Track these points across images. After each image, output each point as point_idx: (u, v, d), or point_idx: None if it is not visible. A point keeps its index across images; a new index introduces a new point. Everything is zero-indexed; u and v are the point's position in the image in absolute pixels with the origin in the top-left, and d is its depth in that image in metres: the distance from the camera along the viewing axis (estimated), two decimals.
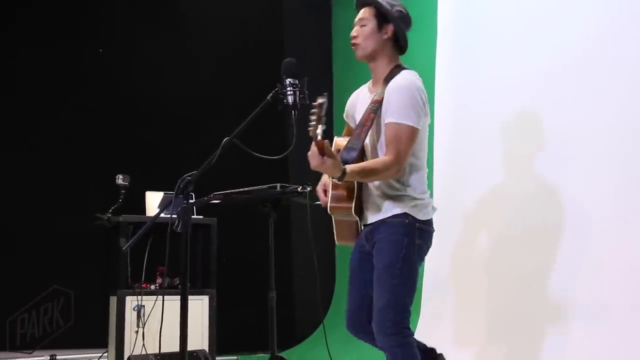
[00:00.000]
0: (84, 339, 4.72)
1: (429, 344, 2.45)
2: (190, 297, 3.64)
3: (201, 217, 4.09)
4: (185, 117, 5.55)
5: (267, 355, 2.82)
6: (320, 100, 2.05)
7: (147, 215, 3.99)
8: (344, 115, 2.65)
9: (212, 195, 3.01)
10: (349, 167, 2.16)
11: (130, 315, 3.74)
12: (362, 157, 2.36)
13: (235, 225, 4.53)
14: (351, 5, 2.48)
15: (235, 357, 5.22)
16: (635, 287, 2.67)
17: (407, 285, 2.30)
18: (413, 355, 2.28)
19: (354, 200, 2.33)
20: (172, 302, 3.73)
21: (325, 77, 5.90)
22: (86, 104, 5.29)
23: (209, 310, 3.97)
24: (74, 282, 4.88)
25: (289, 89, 2.17)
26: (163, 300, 3.50)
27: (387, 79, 2.34)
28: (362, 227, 2.45)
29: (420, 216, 2.31)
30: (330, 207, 2.35)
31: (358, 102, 2.53)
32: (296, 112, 2.15)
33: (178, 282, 3.94)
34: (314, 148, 2.07)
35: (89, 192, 5.09)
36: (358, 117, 2.46)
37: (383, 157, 2.29)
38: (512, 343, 3.26)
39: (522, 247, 3.21)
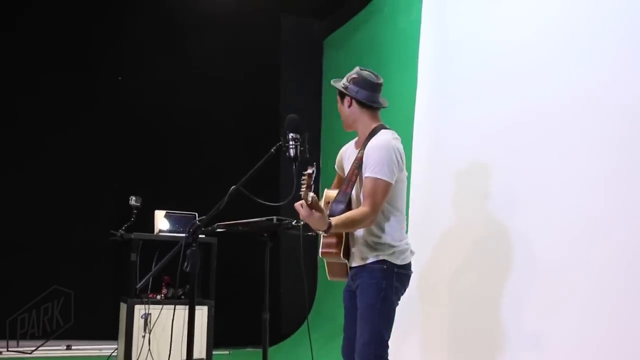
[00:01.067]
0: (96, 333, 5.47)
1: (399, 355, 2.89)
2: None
3: (203, 236, 4.56)
4: (192, 140, 6.25)
5: (258, 350, 3.11)
6: (309, 170, 2.34)
7: (155, 232, 4.48)
8: (336, 166, 2.95)
9: (215, 226, 3.48)
10: (333, 220, 2.42)
11: (137, 322, 4.21)
12: (349, 208, 2.61)
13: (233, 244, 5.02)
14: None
15: (227, 352, 5.78)
16: (572, 320, 3.13)
17: (386, 322, 2.55)
18: None
19: (342, 247, 2.61)
20: (176, 311, 4.23)
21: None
22: (104, 127, 5.99)
23: (208, 318, 4.44)
24: (87, 285, 5.49)
25: (291, 143, 2.45)
26: (174, 310, 3.91)
27: (368, 138, 2.64)
28: (350, 269, 2.71)
29: (398, 262, 2.57)
30: (321, 252, 2.66)
31: (346, 156, 2.85)
32: (297, 163, 2.45)
33: (181, 292, 4.44)
34: (304, 203, 2.35)
35: (105, 209, 5.76)
36: (347, 170, 2.77)
37: (360, 208, 2.55)
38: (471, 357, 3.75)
39: (480, 276, 3.72)
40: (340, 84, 2.70)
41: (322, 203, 2.64)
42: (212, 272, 4.52)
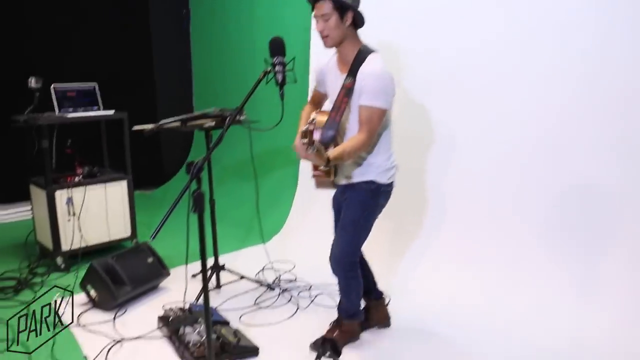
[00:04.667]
0: None
1: None
2: (109, 183, 4.17)
3: (112, 111, 4.33)
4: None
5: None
6: (310, 127, 2.45)
7: (56, 113, 4.13)
8: (315, 82, 2.91)
9: (161, 123, 3.40)
10: (331, 154, 2.44)
11: (61, 208, 4.08)
12: (337, 135, 2.62)
13: None
14: None
15: None
16: None
17: (365, 234, 2.77)
18: (360, 283, 2.90)
19: (333, 171, 2.70)
20: (95, 190, 4.18)
21: None
22: None
23: (128, 193, 4.43)
24: None
25: (277, 67, 2.42)
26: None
27: (356, 63, 2.57)
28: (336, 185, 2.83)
29: (384, 180, 2.70)
30: (313, 175, 2.74)
31: (328, 74, 2.80)
32: (283, 89, 2.45)
33: (97, 170, 4.31)
34: (299, 142, 2.39)
35: None
36: (329, 89, 2.78)
37: (357, 136, 2.54)
38: None
39: None
40: None
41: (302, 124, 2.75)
42: (126, 146, 4.39)
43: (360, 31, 2.68)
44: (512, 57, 3.50)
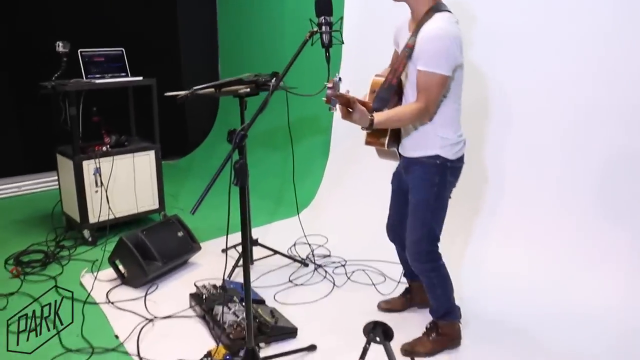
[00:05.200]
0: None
1: None
2: (137, 153, 4.02)
3: (140, 77, 4.15)
4: None
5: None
6: (329, 84, 2.05)
7: (83, 79, 3.96)
8: (393, 41, 2.65)
9: (194, 89, 3.22)
10: (376, 117, 2.22)
11: (89, 178, 3.92)
12: (393, 99, 2.41)
13: None
14: None
15: None
16: None
17: (439, 218, 2.48)
18: (445, 276, 2.57)
19: (387, 137, 2.44)
20: (123, 160, 4.04)
21: None
22: None
23: (156, 164, 4.26)
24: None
25: (323, 27, 2.23)
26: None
27: (422, 21, 2.31)
28: (400, 156, 2.58)
29: (451, 156, 2.41)
30: (366, 141, 2.50)
31: (400, 34, 2.55)
32: (330, 51, 2.23)
33: (125, 139, 4.15)
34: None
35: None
36: (399, 48, 2.52)
37: (412, 103, 2.32)
38: None
39: None
40: None
41: (368, 90, 2.50)
42: (154, 114, 4.21)
43: None
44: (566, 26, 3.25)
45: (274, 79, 3.24)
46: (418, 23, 2.35)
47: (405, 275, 3.06)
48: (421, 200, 2.47)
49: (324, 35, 2.25)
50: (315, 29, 2.26)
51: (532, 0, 3.43)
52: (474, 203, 3.79)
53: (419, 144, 2.45)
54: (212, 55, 7.03)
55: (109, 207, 3.95)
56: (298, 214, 4.08)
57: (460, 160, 2.48)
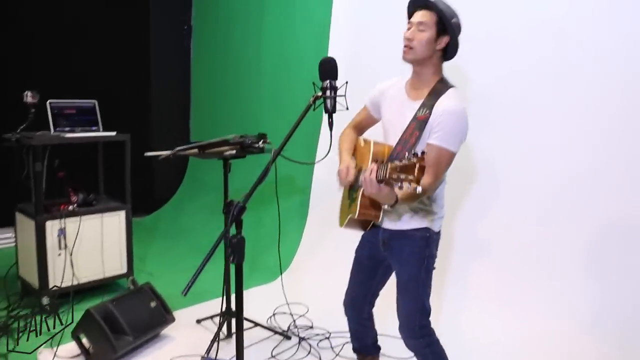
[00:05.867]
0: None
1: None
2: (106, 213, 3.73)
3: (114, 133, 3.90)
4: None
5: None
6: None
7: (51, 132, 3.69)
8: (369, 101, 2.54)
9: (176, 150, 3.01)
10: (399, 195, 2.12)
11: (52, 240, 3.59)
12: None
13: None
14: None
15: None
16: None
17: (428, 291, 2.41)
18: (439, 353, 2.45)
19: (382, 211, 2.33)
20: (91, 221, 3.74)
21: None
22: None
23: (126, 225, 3.98)
24: None
25: (327, 92, 2.13)
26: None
27: (434, 94, 2.24)
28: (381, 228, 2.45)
29: (436, 228, 2.38)
30: (359, 213, 2.31)
31: (389, 99, 2.42)
32: (333, 117, 2.13)
33: (93, 198, 3.86)
34: (372, 177, 2.01)
35: None
36: (388, 117, 2.41)
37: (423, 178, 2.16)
38: None
39: None
40: (449, 17, 2.21)
41: (369, 158, 2.30)
42: (126, 172, 3.94)
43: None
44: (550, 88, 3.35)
45: (262, 141, 3.10)
46: (430, 95, 2.24)
47: (356, 350, 2.80)
48: (412, 276, 2.37)
49: (328, 101, 2.14)
50: (319, 93, 2.15)
51: (520, 68, 3.52)
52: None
53: (407, 216, 2.37)
54: (183, 112, 6.85)
55: (73, 272, 3.61)
56: (282, 279, 3.84)
57: (439, 234, 2.43)
